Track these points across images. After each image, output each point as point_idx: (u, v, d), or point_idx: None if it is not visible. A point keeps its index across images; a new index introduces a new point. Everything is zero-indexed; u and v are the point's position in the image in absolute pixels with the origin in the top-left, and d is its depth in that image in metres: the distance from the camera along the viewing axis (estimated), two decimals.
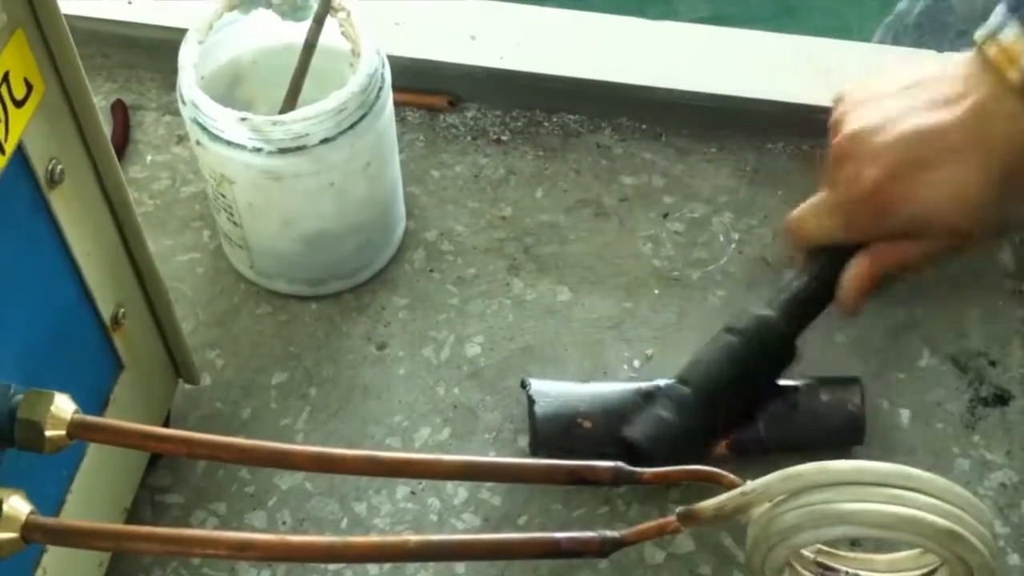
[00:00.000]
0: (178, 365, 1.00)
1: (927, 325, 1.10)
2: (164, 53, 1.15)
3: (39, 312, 0.80)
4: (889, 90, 0.91)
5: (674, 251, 1.16)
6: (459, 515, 1.01)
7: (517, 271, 1.16)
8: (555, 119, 1.26)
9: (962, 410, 1.05)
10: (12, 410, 0.73)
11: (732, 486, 0.80)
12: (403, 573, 0.98)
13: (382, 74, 1.05)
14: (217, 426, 1.06)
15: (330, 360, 1.10)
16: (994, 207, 0.87)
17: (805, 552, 0.84)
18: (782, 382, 1.01)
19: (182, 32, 1.05)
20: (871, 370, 1.07)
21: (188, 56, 1.03)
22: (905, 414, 1.05)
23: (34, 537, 0.72)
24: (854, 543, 0.91)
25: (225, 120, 1.00)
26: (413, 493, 1.02)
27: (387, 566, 0.98)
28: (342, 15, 1.05)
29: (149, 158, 1.26)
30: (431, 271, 1.16)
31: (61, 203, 0.79)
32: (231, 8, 1.07)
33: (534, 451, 1.01)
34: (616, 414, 1.01)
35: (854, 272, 0.93)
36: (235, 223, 1.08)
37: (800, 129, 1.21)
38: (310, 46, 1.06)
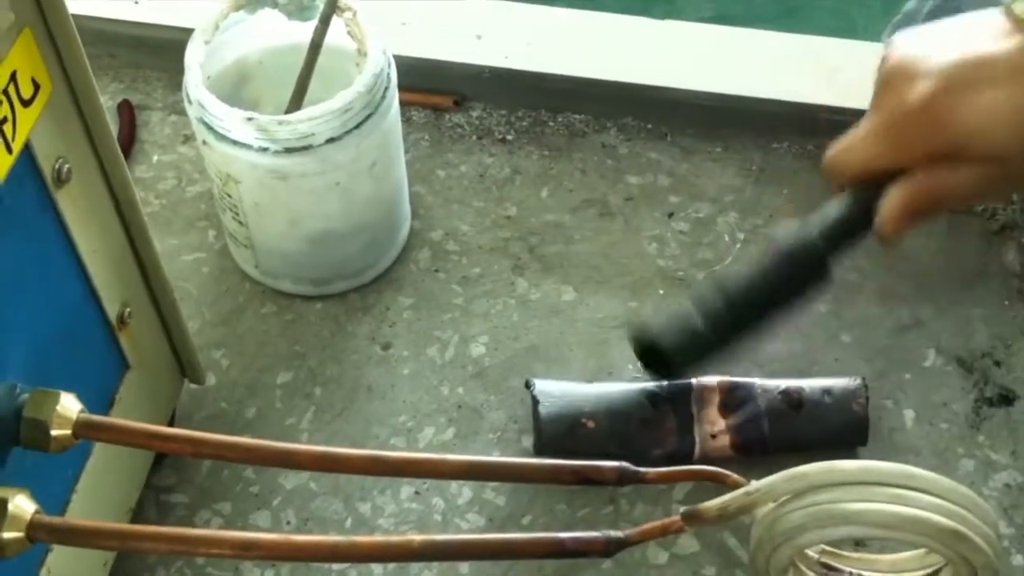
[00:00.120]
0: (183, 365, 1.00)
1: (932, 325, 1.10)
2: (170, 53, 1.15)
3: (45, 311, 0.80)
4: (937, 30, 0.91)
5: (679, 251, 1.16)
6: (463, 515, 1.01)
7: (522, 271, 1.16)
8: (560, 119, 1.27)
9: (967, 410, 1.05)
10: (18, 409, 0.74)
11: (736, 486, 0.80)
12: (407, 573, 0.98)
13: (388, 74, 1.05)
14: (222, 426, 1.06)
15: (335, 360, 1.10)
16: None
17: (809, 552, 0.84)
18: (786, 383, 1.01)
19: (188, 32, 1.05)
20: (876, 370, 1.07)
21: (194, 56, 1.03)
22: (910, 414, 1.05)
23: (39, 536, 0.72)
24: (858, 543, 0.91)
25: (231, 120, 1.00)
26: (417, 493, 1.02)
27: (391, 566, 0.98)
28: (348, 15, 1.05)
29: (155, 158, 1.26)
30: (436, 271, 1.16)
31: (68, 202, 0.79)
32: (237, 8, 1.07)
33: (538, 451, 1.02)
34: (621, 414, 1.01)
35: (893, 198, 0.92)
36: (241, 223, 1.09)
37: (806, 129, 1.21)
38: (316, 46, 1.06)
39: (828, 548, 0.85)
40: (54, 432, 0.73)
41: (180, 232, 1.20)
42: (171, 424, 1.01)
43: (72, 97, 0.79)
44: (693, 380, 1.02)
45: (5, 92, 0.70)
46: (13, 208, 0.74)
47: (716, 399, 1.01)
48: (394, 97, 1.06)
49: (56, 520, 0.74)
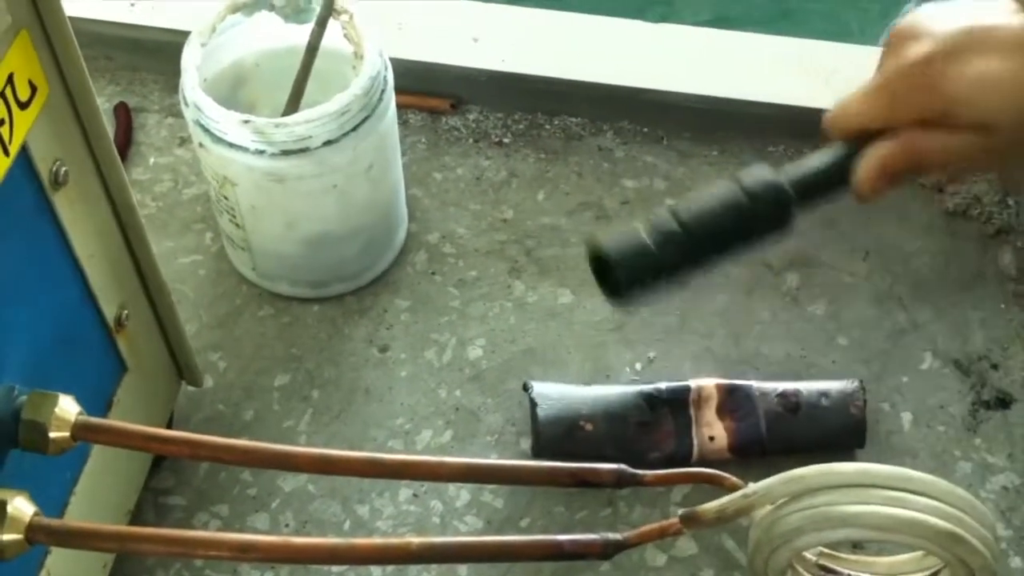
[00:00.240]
0: (181, 367, 1.00)
1: (929, 329, 1.11)
2: (167, 55, 1.15)
3: (43, 313, 0.80)
4: (949, 5, 0.92)
5: None
6: (461, 517, 1.01)
7: (519, 273, 1.16)
8: (557, 122, 1.27)
9: (964, 413, 1.05)
10: (16, 411, 0.74)
11: (734, 488, 0.80)
12: (406, 575, 0.98)
13: (385, 77, 1.05)
14: (220, 428, 1.06)
15: (332, 362, 1.10)
16: None
17: (807, 554, 0.84)
18: (783, 385, 1.02)
19: (185, 35, 1.05)
20: (873, 373, 1.07)
21: (191, 58, 1.03)
22: (907, 417, 1.05)
23: (38, 538, 0.72)
24: (856, 546, 0.91)
25: (228, 122, 1.00)
26: (415, 495, 1.02)
27: (390, 568, 0.98)
28: (345, 18, 1.05)
29: (152, 160, 1.26)
30: (433, 273, 1.16)
31: (65, 205, 0.79)
32: (234, 11, 1.07)
33: (536, 454, 1.02)
34: (618, 417, 1.01)
35: (873, 153, 0.94)
36: (237, 225, 1.09)
37: (801, 132, 1.21)
38: (313, 49, 1.06)
39: (826, 550, 0.85)
40: (52, 434, 0.73)
41: (177, 234, 1.20)
42: (169, 426, 1.01)
43: (69, 99, 0.79)
44: (691, 383, 1.02)
45: (2, 94, 0.70)
46: (10, 211, 0.74)
47: (714, 402, 1.01)
48: (391, 100, 1.06)
49: (55, 522, 0.74)
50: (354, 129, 1.02)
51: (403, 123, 1.25)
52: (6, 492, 0.71)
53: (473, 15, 1.30)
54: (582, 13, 1.30)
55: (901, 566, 0.84)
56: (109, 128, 0.83)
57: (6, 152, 0.71)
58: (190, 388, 1.04)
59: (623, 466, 0.80)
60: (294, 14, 1.09)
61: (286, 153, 1.01)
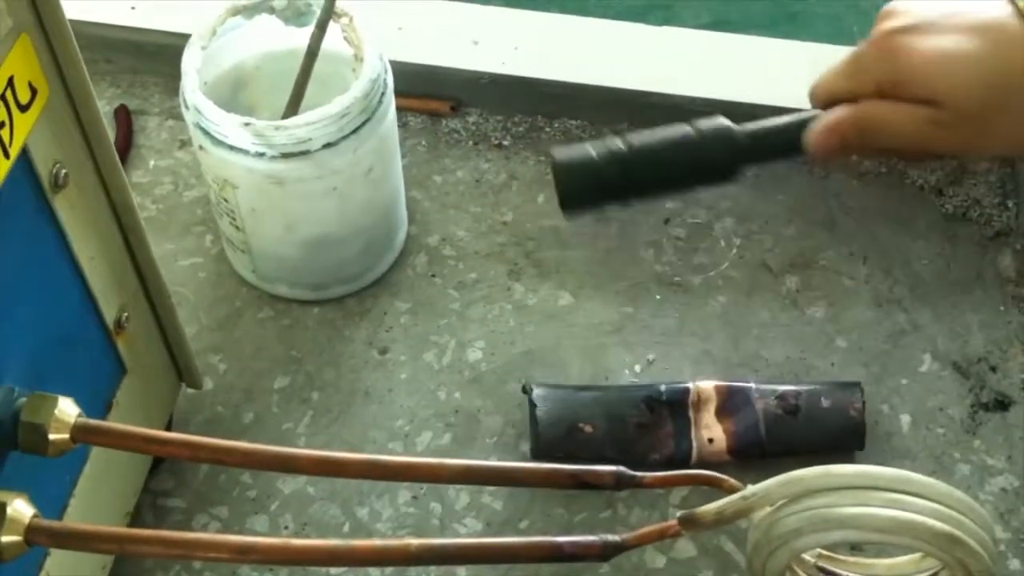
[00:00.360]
0: (180, 369, 1.00)
1: (928, 331, 1.11)
2: (167, 58, 1.15)
3: (43, 316, 0.80)
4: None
5: (675, 256, 1.17)
6: (461, 519, 1.01)
7: (518, 276, 1.16)
8: (557, 124, 1.27)
9: (963, 415, 1.05)
10: (16, 413, 0.74)
11: (733, 490, 0.80)
12: None
13: (384, 79, 1.05)
14: (219, 430, 1.06)
15: (332, 364, 1.10)
16: (976, 101, 0.88)
17: (806, 556, 0.84)
18: (783, 387, 1.02)
19: (185, 37, 1.05)
20: (872, 375, 1.07)
21: (191, 61, 1.03)
22: (906, 419, 1.05)
23: (38, 540, 0.72)
24: (855, 548, 0.91)
25: (228, 125, 1.00)
26: (415, 497, 1.02)
27: (389, 570, 0.98)
28: (345, 21, 1.05)
29: (152, 163, 1.26)
30: (433, 276, 1.16)
31: (65, 207, 0.79)
32: (234, 14, 1.07)
33: (536, 456, 1.02)
34: (618, 419, 1.01)
35: (827, 114, 0.96)
36: (237, 227, 1.09)
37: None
38: (313, 51, 1.06)
39: (824, 552, 0.85)
40: (52, 436, 0.73)
41: (177, 237, 1.20)
42: (168, 428, 1.01)
43: (69, 102, 0.79)
44: (691, 384, 1.02)
45: (3, 97, 0.70)
46: (10, 213, 0.74)
47: (713, 404, 1.01)
48: (391, 102, 1.06)
49: (55, 524, 0.74)
50: (354, 132, 1.02)
51: (403, 126, 1.25)
52: (6, 494, 0.71)
53: (473, 18, 1.30)
54: (583, 16, 1.31)
55: (900, 568, 0.84)
56: (109, 131, 0.84)
57: (6, 154, 0.72)
58: (190, 390, 1.04)
59: (622, 468, 0.80)
60: (294, 17, 1.09)
61: (286, 156, 1.01)
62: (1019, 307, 1.12)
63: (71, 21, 0.76)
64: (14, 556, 0.71)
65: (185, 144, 1.27)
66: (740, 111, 1.21)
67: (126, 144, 1.26)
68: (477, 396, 1.08)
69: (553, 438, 1.00)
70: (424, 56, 1.26)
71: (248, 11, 1.08)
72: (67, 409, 0.74)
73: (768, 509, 0.78)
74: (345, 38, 1.05)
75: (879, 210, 1.19)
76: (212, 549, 0.73)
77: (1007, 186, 1.19)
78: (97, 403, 0.88)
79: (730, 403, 1.01)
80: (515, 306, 1.14)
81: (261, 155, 1.01)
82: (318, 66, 1.06)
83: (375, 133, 1.04)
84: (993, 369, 1.08)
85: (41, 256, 0.79)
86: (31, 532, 0.71)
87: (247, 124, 1.00)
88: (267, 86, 1.14)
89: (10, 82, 0.71)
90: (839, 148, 0.98)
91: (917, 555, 0.82)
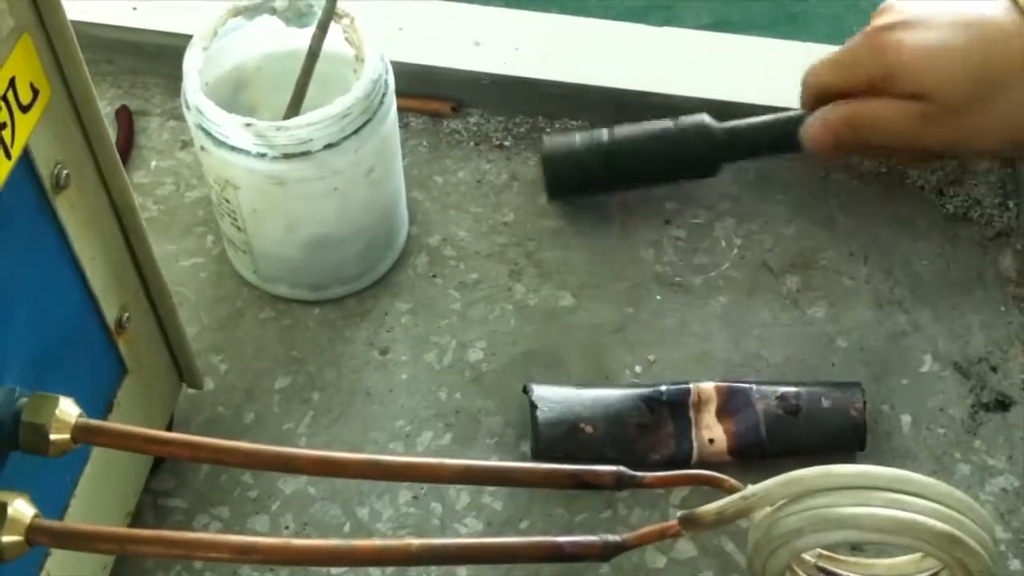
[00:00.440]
0: (181, 369, 1.00)
1: (929, 330, 1.11)
2: (169, 59, 1.16)
3: (43, 316, 0.80)
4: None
5: (676, 257, 1.17)
6: (461, 519, 1.01)
7: (519, 276, 1.16)
8: (558, 125, 1.27)
9: (964, 415, 1.06)
10: (16, 413, 0.74)
11: (733, 490, 0.80)
12: None
13: (386, 80, 1.05)
14: (220, 430, 1.06)
15: (333, 365, 1.10)
16: (963, 95, 0.88)
17: (806, 556, 0.84)
18: (783, 388, 1.02)
19: (187, 38, 1.05)
20: (872, 375, 1.07)
21: (192, 62, 1.04)
22: (906, 419, 1.05)
23: (39, 540, 0.72)
24: (855, 548, 0.91)
25: (229, 125, 1.00)
26: (415, 498, 1.02)
27: (390, 570, 0.98)
28: (346, 21, 1.05)
29: (153, 163, 1.26)
30: (434, 276, 1.16)
31: (66, 207, 0.79)
32: (235, 14, 1.08)
33: (536, 456, 1.02)
34: (618, 419, 1.01)
35: (822, 110, 0.97)
36: (239, 228, 1.09)
37: None
38: (314, 52, 1.06)
39: (825, 552, 0.85)
40: (53, 436, 0.74)
41: (178, 237, 1.20)
42: (169, 428, 1.01)
43: (71, 103, 0.79)
44: (691, 385, 1.02)
45: (4, 98, 0.70)
46: (12, 214, 0.74)
47: (714, 404, 1.02)
48: (392, 103, 1.06)
49: (55, 524, 0.74)
50: (355, 132, 1.02)
51: (404, 126, 1.26)
52: (6, 494, 0.71)
53: (474, 18, 1.31)
54: (584, 17, 1.31)
55: (900, 568, 0.84)
56: (111, 131, 0.84)
57: (8, 155, 0.72)
58: (191, 390, 1.04)
59: (622, 468, 0.80)
60: (295, 18, 1.09)
61: (287, 156, 1.01)
62: (1020, 307, 1.12)
63: (72, 22, 0.76)
64: (15, 556, 0.71)
65: (187, 145, 1.27)
66: (740, 111, 1.22)
67: (127, 145, 1.27)
68: (478, 397, 1.08)
69: (553, 438, 1.01)
70: (425, 57, 1.26)
71: (249, 12, 1.08)
72: (68, 409, 0.74)
73: (768, 509, 0.78)
74: (346, 39, 1.05)
75: (879, 210, 1.19)
76: (213, 549, 0.73)
77: (1008, 186, 1.19)
78: (98, 403, 0.88)
79: (731, 403, 1.02)
80: (516, 306, 1.14)
81: (262, 156, 1.01)
82: (319, 67, 1.06)
83: (376, 134, 1.04)
84: (994, 369, 1.08)
85: (42, 256, 0.79)
86: (32, 532, 0.71)
87: (248, 125, 1.00)
88: (268, 87, 1.14)
89: (12, 83, 0.71)
90: (833, 145, 0.98)
91: (917, 555, 0.82)
